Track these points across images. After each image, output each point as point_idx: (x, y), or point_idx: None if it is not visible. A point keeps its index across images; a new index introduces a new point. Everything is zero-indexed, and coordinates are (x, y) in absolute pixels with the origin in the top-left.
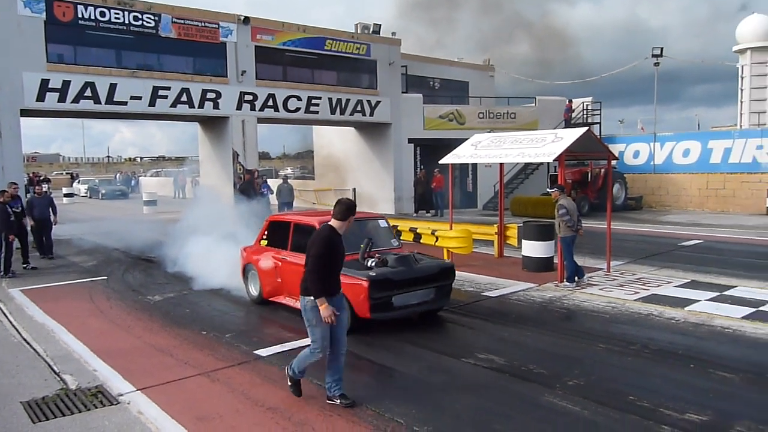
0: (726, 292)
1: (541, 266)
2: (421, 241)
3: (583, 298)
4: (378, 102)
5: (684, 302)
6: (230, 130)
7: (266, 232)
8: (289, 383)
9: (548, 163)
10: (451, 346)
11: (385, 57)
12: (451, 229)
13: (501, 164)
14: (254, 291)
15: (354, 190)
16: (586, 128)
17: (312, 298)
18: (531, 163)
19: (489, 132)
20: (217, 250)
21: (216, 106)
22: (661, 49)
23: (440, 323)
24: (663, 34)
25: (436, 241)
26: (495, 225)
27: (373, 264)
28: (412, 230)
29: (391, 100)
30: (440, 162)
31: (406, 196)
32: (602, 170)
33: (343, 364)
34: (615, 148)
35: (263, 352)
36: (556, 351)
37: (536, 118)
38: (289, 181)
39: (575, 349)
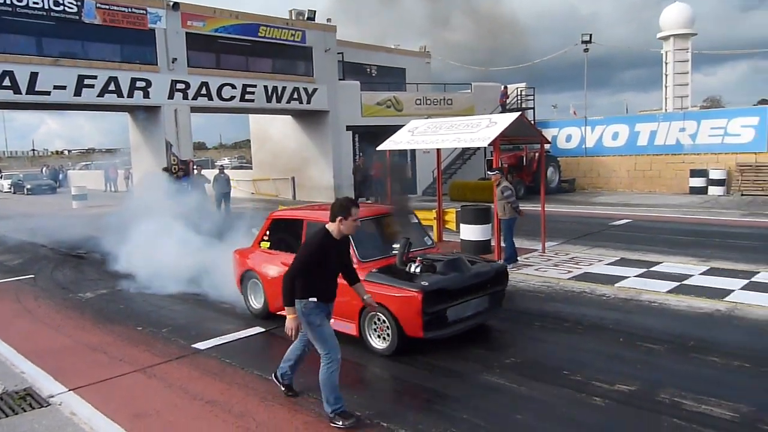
0: (653, 268)
1: (479, 249)
2: None
3: (519, 279)
4: (315, 89)
5: (614, 279)
6: (162, 119)
7: (267, 233)
8: (341, 424)
9: (485, 148)
10: None
11: (321, 44)
12: None
13: (438, 150)
14: (256, 303)
15: (293, 179)
16: (519, 113)
17: (309, 299)
18: (468, 148)
19: (427, 118)
20: (163, 246)
21: (146, 95)
22: (590, 35)
23: None
24: (594, 21)
25: None
26: (434, 210)
27: (418, 269)
28: None
29: (328, 88)
30: (377, 149)
31: (345, 184)
32: (536, 154)
33: (305, 357)
34: (548, 133)
35: (201, 345)
36: (493, 331)
37: (472, 104)
38: (225, 171)
39: (512, 328)
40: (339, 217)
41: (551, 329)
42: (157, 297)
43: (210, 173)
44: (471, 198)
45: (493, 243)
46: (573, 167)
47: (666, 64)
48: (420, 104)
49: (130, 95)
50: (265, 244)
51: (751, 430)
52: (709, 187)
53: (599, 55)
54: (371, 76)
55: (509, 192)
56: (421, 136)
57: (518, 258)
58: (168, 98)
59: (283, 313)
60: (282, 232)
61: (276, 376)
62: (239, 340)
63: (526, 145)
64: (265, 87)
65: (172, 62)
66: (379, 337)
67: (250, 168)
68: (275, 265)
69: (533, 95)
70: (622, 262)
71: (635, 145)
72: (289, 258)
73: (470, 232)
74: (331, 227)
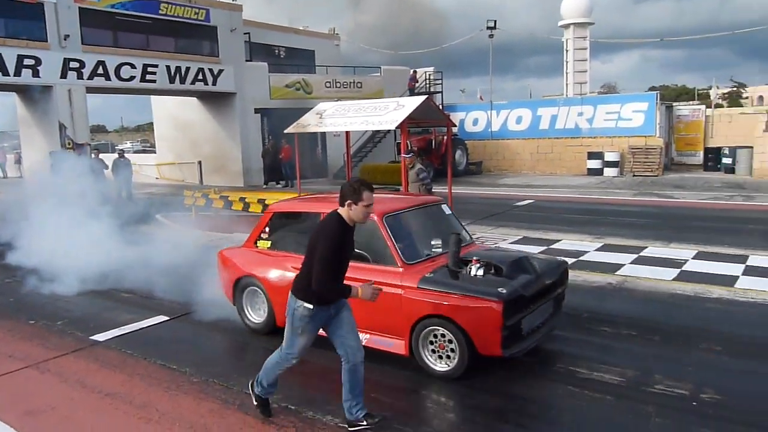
0: (552, 246)
1: None
2: None
3: None
4: (221, 70)
5: None
6: (55, 100)
7: (267, 230)
8: (255, 403)
9: (395, 131)
10: None
11: (226, 23)
12: None
13: (347, 133)
14: (256, 317)
15: (200, 163)
16: (426, 97)
17: (305, 304)
18: (379, 131)
19: (337, 101)
20: (59, 235)
21: (36, 74)
22: (495, 21)
23: None
24: (502, 8)
25: None
26: None
27: (480, 272)
28: (261, 202)
29: (235, 69)
30: (285, 132)
31: (254, 168)
32: (445, 137)
33: (362, 376)
34: (456, 117)
35: (100, 337)
36: None
37: (382, 88)
38: (126, 155)
39: None
40: (348, 201)
41: None
42: (53, 288)
43: (109, 158)
44: (382, 181)
45: None
46: (480, 150)
47: (567, 51)
48: (330, 87)
49: (17, 74)
50: (264, 244)
51: (637, 393)
52: (605, 169)
53: (505, 41)
54: (279, 58)
55: (425, 174)
56: (330, 118)
57: None
58: (61, 77)
59: None
60: (289, 229)
61: (350, 423)
62: (141, 330)
63: (434, 128)
64: (168, 67)
65: (65, 39)
66: (438, 356)
67: (154, 152)
68: (283, 270)
69: (441, 79)
70: (525, 241)
71: (537, 128)
72: (300, 261)
73: None
74: (342, 213)
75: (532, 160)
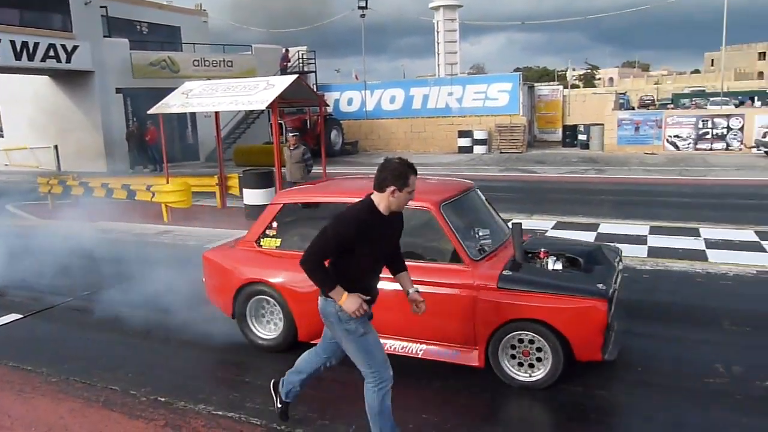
0: None
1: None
2: (137, 198)
3: None
4: (75, 47)
5: None
6: None
7: (275, 224)
8: None
9: (270, 111)
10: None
11: None
12: (167, 183)
13: (216, 113)
14: (266, 332)
15: (56, 147)
16: (297, 76)
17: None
18: (252, 111)
19: (206, 80)
20: None
21: None
22: (366, 1)
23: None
24: None
25: (153, 197)
26: (216, 176)
27: (558, 266)
28: (125, 187)
29: (92, 45)
30: (148, 112)
31: (119, 152)
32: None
33: (322, 370)
34: (331, 96)
35: None
36: None
37: (254, 67)
38: None
39: None
40: (392, 188)
41: None
42: None
43: None
44: (257, 162)
45: None
46: (355, 130)
47: (437, 33)
48: (198, 66)
49: None
50: (272, 242)
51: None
52: (474, 147)
53: (378, 21)
54: (142, 34)
55: (309, 155)
56: (197, 98)
57: None
58: None
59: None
60: (307, 224)
61: (276, 389)
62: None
63: (309, 108)
64: (12, 42)
65: None
66: (520, 364)
67: (1, 136)
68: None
69: (314, 59)
70: None
71: (411, 108)
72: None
73: (254, 197)
74: (379, 199)
75: (406, 139)
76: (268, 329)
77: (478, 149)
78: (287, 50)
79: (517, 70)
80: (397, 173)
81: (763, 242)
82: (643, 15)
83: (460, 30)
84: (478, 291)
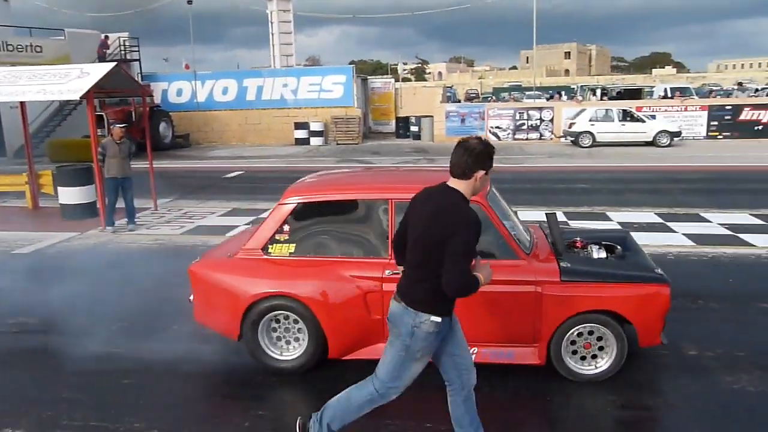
0: (261, 215)
1: (84, 212)
2: None
3: (129, 240)
4: None
5: (227, 229)
6: None
7: (287, 227)
8: None
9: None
10: None
11: None
12: None
13: (22, 103)
14: (287, 352)
15: None
16: (115, 63)
17: (431, 317)
18: (68, 102)
19: (10, 67)
20: None
21: None
22: None
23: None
24: None
25: None
26: (25, 174)
27: (602, 254)
28: None
29: None
30: None
31: None
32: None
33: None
34: (159, 87)
35: None
36: (102, 299)
37: (68, 53)
38: None
39: (129, 293)
40: (481, 172)
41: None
42: None
43: None
44: (76, 158)
45: (98, 205)
46: (187, 122)
47: (272, 23)
48: (0, 50)
49: None
50: (284, 248)
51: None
52: (311, 138)
53: (211, 9)
54: None
55: (135, 148)
56: None
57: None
58: None
59: (358, 354)
60: (331, 225)
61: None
62: None
63: (134, 99)
64: None
65: None
66: (582, 358)
67: None
68: (341, 282)
69: (138, 46)
70: (234, 213)
71: (245, 99)
72: (364, 268)
73: (71, 195)
74: (465, 187)
75: (241, 131)
76: (287, 350)
77: (315, 141)
78: (107, 36)
79: (351, 63)
80: (485, 155)
81: (570, 222)
82: (466, 13)
83: (294, 21)
84: (542, 286)
